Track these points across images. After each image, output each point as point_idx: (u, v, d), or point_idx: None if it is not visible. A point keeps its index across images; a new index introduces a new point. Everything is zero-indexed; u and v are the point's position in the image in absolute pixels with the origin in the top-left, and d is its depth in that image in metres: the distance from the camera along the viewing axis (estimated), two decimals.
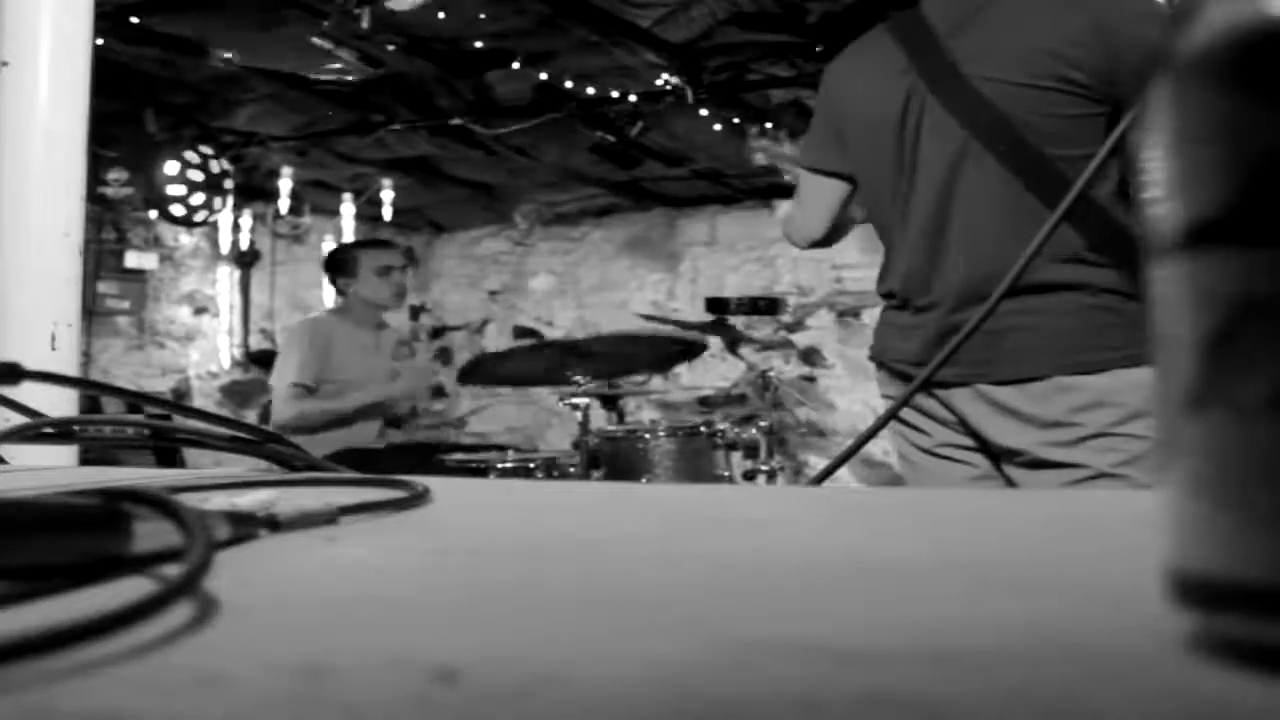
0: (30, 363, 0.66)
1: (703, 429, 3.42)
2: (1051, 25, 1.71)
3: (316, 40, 3.94)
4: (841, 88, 1.98)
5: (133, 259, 5.89)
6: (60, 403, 1.38)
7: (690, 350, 3.97)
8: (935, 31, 1.81)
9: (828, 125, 2.00)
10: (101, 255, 5.68)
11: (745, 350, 6.05)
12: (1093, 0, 1.69)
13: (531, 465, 3.43)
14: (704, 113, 4.85)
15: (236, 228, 6.36)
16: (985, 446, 1.83)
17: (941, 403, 1.85)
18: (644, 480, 3.25)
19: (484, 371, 4.16)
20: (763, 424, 3.55)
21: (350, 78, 4.26)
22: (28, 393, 0.70)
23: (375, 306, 4.02)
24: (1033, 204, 1.68)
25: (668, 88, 4.51)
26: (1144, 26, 1.63)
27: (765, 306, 4.07)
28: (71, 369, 1.66)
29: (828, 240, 2.11)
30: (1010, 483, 1.82)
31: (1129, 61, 1.63)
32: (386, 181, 6.13)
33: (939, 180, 1.80)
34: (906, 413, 1.88)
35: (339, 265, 4.10)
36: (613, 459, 3.34)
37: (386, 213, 6.41)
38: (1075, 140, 1.68)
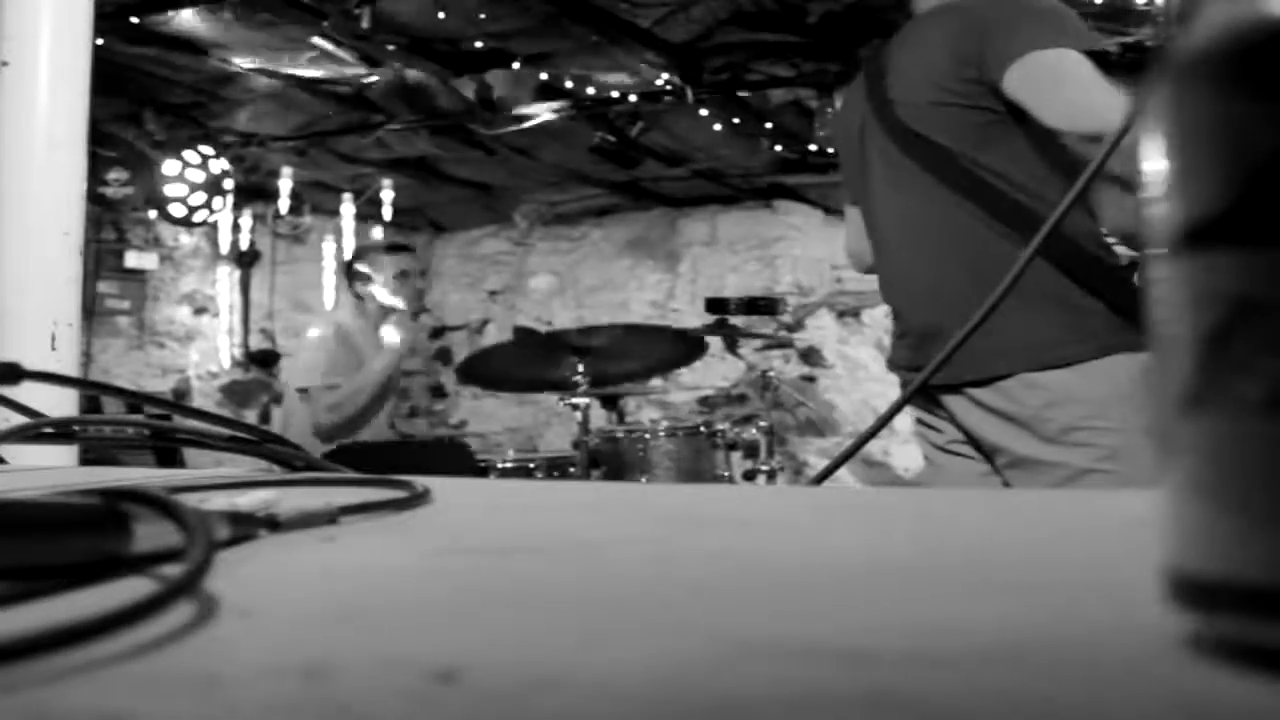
0: (30, 363, 0.66)
1: (703, 429, 3.42)
2: (934, 44, 1.85)
3: (317, 40, 3.94)
4: (836, 123, 2.24)
5: (133, 259, 5.88)
6: (60, 403, 1.38)
7: (692, 351, 4.00)
8: (886, 63, 1.96)
9: (841, 160, 2.19)
10: (101, 255, 5.67)
11: (745, 350, 6.05)
12: (962, 19, 1.80)
13: (531, 465, 3.43)
14: (704, 113, 4.84)
15: (236, 228, 6.35)
16: (977, 444, 1.90)
17: (939, 405, 1.94)
18: (644, 480, 3.25)
19: (483, 371, 4.19)
20: (763, 424, 3.55)
21: (367, 81, 4.26)
22: (28, 393, 0.70)
23: (390, 311, 4.09)
24: (967, 210, 1.80)
25: (668, 88, 4.51)
26: (1002, 34, 1.74)
27: (765, 306, 4.06)
28: (71, 369, 1.66)
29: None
30: (1005, 480, 1.88)
31: (992, 68, 1.73)
32: (386, 181, 6.13)
33: (886, 199, 1.95)
34: (922, 414, 1.99)
35: (358, 270, 4.15)
36: (613, 459, 3.34)
37: (386, 213, 6.40)
38: (988, 147, 1.79)
